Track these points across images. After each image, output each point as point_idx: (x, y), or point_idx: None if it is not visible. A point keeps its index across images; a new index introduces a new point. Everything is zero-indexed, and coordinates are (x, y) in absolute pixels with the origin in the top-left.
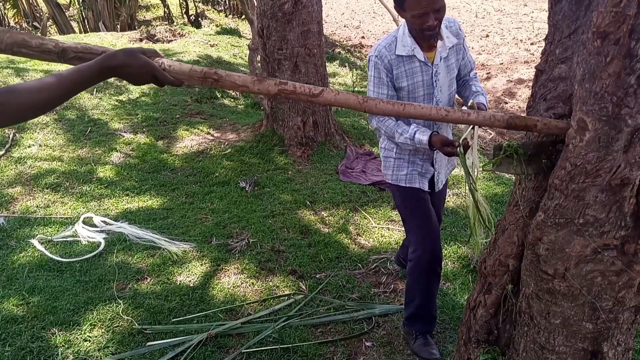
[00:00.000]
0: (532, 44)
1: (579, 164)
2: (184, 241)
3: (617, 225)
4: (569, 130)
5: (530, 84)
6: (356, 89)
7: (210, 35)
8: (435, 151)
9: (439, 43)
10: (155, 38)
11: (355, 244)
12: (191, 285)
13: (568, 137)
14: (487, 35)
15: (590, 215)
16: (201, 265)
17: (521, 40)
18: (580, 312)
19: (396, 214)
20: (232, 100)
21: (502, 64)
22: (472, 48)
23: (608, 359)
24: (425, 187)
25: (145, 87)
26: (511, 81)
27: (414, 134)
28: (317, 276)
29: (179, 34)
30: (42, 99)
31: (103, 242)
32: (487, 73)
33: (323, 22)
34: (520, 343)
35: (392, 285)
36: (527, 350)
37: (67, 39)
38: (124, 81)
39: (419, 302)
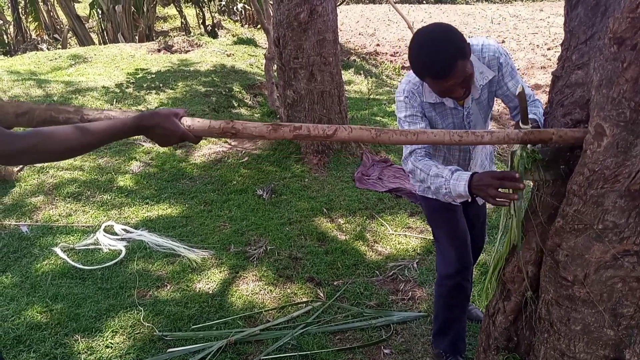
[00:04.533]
0: (548, 49)
1: (597, 170)
2: (203, 248)
3: (637, 231)
4: (587, 136)
5: (548, 89)
6: (371, 96)
7: (227, 45)
8: (471, 165)
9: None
10: (173, 48)
11: (373, 251)
12: (210, 292)
13: (586, 143)
14: (503, 41)
15: (610, 220)
16: (220, 272)
17: (538, 45)
18: (601, 319)
19: (413, 221)
20: (249, 109)
21: (519, 69)
22: None
23: None
24: (456, 201)
25: (163, 97)
26: (529, 87)
27: (451, 175)
28: (335, 283)
29: (196, 44)
30: (75, 147)
31: (124, 249)
32: None
33: (338, 31)
34: (540, 350)
35: (410, 293)
36: (547, 357)
37: (86, 50)
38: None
39: (443, 320)
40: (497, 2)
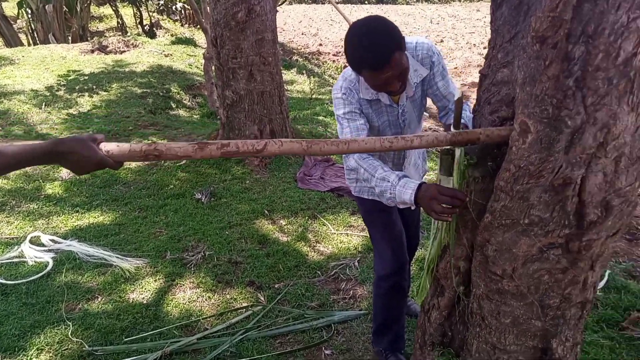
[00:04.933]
0: (484, 48)
1: (523, 166)
2: (137, 257)
3: (561, 224)
4: (512, 133)
5: None
6: (314, 96)
7: (164, 45)
8: (405, 164)
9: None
10: (108, 49)
11: (315, 252)
12: (144, 302)
13: (511, 140)
14: (442, 40)
15: (535, 215)
16: (155, 281)
17: (474, 44)
18: (529, 311)
19: (354, 220)
20: (188, 110)
21: (456, 68)
22: None
23: (557, 354)
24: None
25: (97, 100)
26: (465, 85)
27: (398, 182)
28: (276, 286)
29: (132, 44)
30: None
31: (51, 261)
32: None
33: (280, 30)
34: (473, 344)
35: (352, 291)
36: (479, 351)
37: (14, 52)
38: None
39: (382, 319)
40: (437, 3)
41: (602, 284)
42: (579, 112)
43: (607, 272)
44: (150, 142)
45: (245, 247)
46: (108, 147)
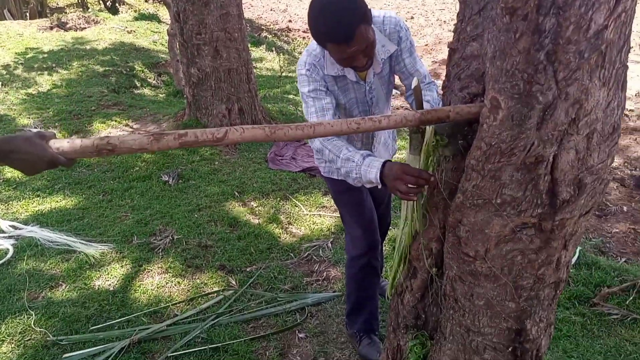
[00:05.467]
0: (454, 24)
1: (494, 144)
2: (102, 242)
3: (533, 204)
4: (483, 110)
5: None
6: (284, 74)
7: (127, 21)
8: (374, 143)
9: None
10: (68, 26)
11: (287, 233)
12: (111, 289)
13: (482, 117)
14: (412, 17)
15: (507, 194)
16: (121, 267)
17: (445, 21)
18: (502, 292)
19: (327, 200)
20: (153, 89)
21: (427, 45)
22: None
23: (531, 335)
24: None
25: (57, 78)
26: (436, 62)
27: (362, 161)
28: (248, 269)
29: (93, 20)
30: None
31: (11, 248)
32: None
33: (248, 6)
34: (446, 327)
35: (325, 273)
36: (453, 334)
37: None
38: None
39: (356, 300)
40: None
41: (573, 260)
42: (550, 87)
43: (578, 248)
44: (102, 137)
45: (215, 230)
46: (58, 144)
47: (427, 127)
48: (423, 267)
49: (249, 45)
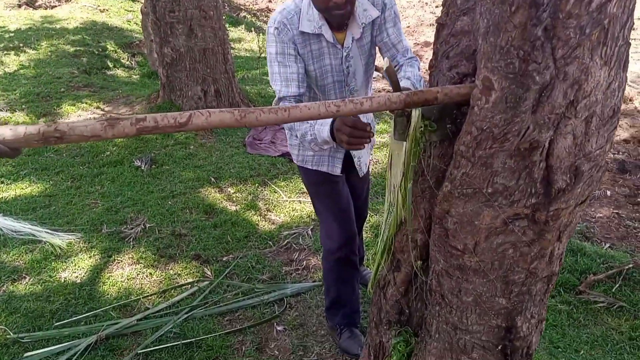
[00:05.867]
0: (437, 6)
1: (486, 128)
2: (70, 232)
3: (527, 193)
4: (474, 91)
5: None
6: (263, 54)
7: None
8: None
9: (351, 20)
10: (37, 4)
11: (266, 221)
12: (78, 281)
13: (473, 99)
14: None
15: (500, 183)
16: (89, 257)
17: (426, 3)
18: (492, 288)
19: None
20: (126, 70)
21: (408, 27)
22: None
23: (522, 332)
24: (337, 171)
25: (24, 59)
26: (418, 44)
27: (315, 124)
28: (224, 259)
29: None
30: None
31: None
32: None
33: None
34: (432, 323)
35: (305, 262)
36: (439, 332)
37: None
38: None
39: (335, 294)
40: None
41: None
42: (548, 65)
43: None
44: (50, 122)
45: (190, 218)
46: (0, 131)
47: (413, 110)
48: (407, 259)
49: (227, 25)
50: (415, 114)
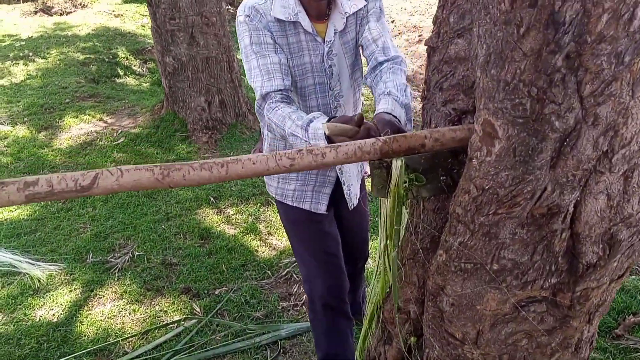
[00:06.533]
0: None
1: (488, 188)
2: (52, 261)
3: (545, 271)
4: (472, 137)
5: None
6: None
7: (116, 4)
8: None
9: (333, 9)
10: (53, 10)
11: (266, 246)
12: (54, 320)
13: (471, 148)
14: None
15: (508, 259)
16: (70, 292)
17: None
18: None
19: None
20: (137, 77)
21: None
22: (404, 9)
23: None
24: (322, 209)
25: (32, 68)
26: (390, 32)
27: (310, 121)
28: (216, 292)
29: (80, 4)
30: None
31: None
32: (420, 35)
33: None
34: None
35: (304, 296)
36: None
37: None
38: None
39: (326, 349)
40: None
41: None
42: (572, 107)
43: None
44: None
45: (183, 245)
46: None
47: (394, 160)
48: (399, 333)
49: (229, 29)
50: (397, 164)
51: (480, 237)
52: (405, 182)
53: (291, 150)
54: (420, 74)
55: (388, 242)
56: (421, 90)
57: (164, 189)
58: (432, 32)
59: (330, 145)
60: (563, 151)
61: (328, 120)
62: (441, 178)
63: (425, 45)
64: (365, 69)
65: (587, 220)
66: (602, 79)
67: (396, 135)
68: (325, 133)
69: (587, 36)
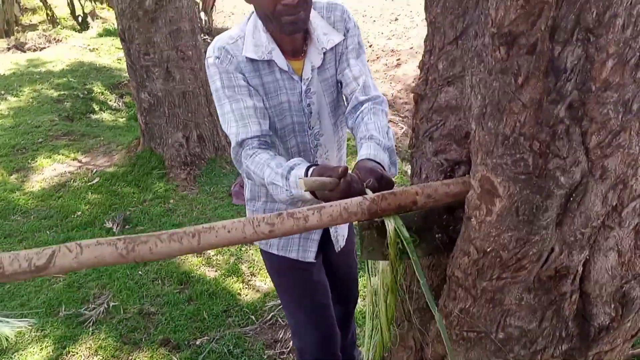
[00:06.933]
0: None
1: (490, 250)
2: (22, 316)
3: (555, 338)
4: (469, 194)
5: None
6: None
7: (91, 38)
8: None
9: (310, 45)
10: (27, 46)
11: (249, 288)
12: None
13: (469, 206)
14: (397, 19)
15: (515, 326)
16: (40, 350)
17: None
18: None
19: None
20: (113, 113)
21: (412, 48)
22: (382, 33)
23: None
24: (310, 257)
25: (3, 107)
26: (369, 69)
27: (291, 168)
28: (197, 342)
29: (54, 39)
30: None
31: None
32: (397, 59)
33: (213, 12)
34: None
35: (290, 343)
36: None
37: None
38: None
39: None
40: None
41: None
42: (578, 160)
43: None
44: None
45: (162, 291)
46: None
47: (386, 219)
48: None
49: None
50: (391, 227)
51: (484, 303)
52: (398, 243)
53: (270, 215)
54: (400, 98)
55: (385, 306)
56: (409, 139)
57: (128, 263)
58: (419, 79)
59: (313, 207)
60: (570, 208)
61: (308, 168)
62: (437, 236)
63: (412, 92)
64: (345, 108)
65: (597, 279)
66: (609, 129)
67: (385, 192)
68: (310, 195)
69: (590, 83)
